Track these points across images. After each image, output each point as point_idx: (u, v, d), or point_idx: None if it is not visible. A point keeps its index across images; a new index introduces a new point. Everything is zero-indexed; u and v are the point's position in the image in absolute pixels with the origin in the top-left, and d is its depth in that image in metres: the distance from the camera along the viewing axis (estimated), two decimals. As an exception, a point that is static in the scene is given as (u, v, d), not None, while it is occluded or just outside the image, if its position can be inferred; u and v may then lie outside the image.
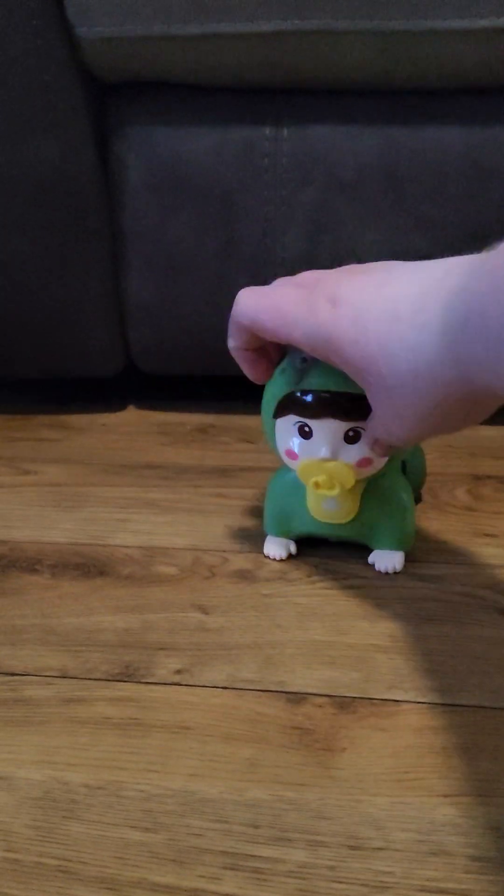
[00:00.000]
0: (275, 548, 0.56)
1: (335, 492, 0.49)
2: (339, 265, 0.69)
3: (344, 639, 0.48)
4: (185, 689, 0.44)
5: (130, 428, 0.79)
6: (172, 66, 0.64)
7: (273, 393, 0.51)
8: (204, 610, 0.51)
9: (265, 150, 0.67)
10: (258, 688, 0.44)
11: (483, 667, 0.45)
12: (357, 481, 0.50)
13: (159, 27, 0.61)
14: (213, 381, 0.83)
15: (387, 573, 0.54)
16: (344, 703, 0.43)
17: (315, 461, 0.49)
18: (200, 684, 0.44)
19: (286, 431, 0.51)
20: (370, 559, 0.55)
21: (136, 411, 0.83)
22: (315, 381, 0.48)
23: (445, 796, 0.37)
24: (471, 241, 0.67)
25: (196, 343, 0.75)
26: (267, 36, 0.59)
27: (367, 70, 0.62)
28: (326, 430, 0.49)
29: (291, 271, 0.71)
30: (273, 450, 0.53)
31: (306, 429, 0.49)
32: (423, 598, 0.51)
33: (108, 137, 0.69)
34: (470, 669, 0.45)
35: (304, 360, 0.48)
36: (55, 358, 0.77)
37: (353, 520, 0.53)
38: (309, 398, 0.48)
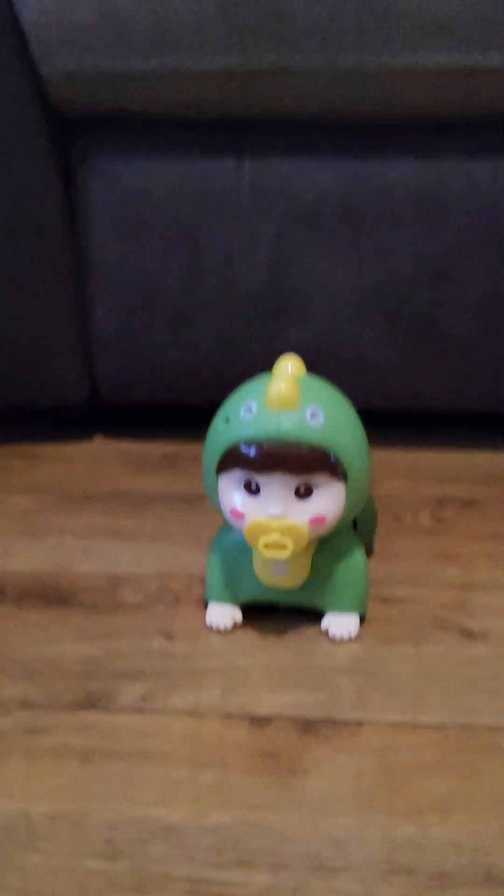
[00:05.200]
0: (218, 617, 0.51)
1: (286, 553, 0.44)
2: (301, 295, 0.71)
3: (307, 661, 0.48)
4: (148, 715, 0.44)
5: (97, 457, 0.79)
6: (134, 100, 0.65)
7: (215, 445, 0.46)
8: (168, 636, 0.51)
9: (227, 182, 0.68)
10: (222, 712, 0.44)
11: (445, 686, 0.46)
12: (309, 541, 0.46)
13: (121, 63, 0.62)
14: (180, 410, 0.84)
15: (342, 640, 0.50)
16: (307, 725, 0.43)
17: (264, 520, 0.44)
18: (164, 710, 0.44)
19: (230, 488, 0.46)
20: (323, 625, 0.50)
21: (102, 441, 0.83)
22: (262, 431, 0.44)
23: (406, 815, 0.37)
24: (426, 269, 0.69)
25: (161, 372, 0.76)
26: (225, 72, 0.61)
27: (323, 104, 0.64)
28: (275, 485, 0.45)
29: (255, 301, 0.72)
30: (215, 508, 0.49)
31: (253, 485, 0.45)
32: (386, 619, 0.52)
33: (72, 171, 0.70)
34: (432, 689, 0.46)
35: (249, 408, 0.45)
36: (21, 388, 0.77)
37: (304, 584, 0.49)
38: (256, 451, 0.44)
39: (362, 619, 0.51)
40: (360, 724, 0.43)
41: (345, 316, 0.70)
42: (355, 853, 0.36)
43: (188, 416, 0.83)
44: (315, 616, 0.51)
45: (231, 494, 0.46)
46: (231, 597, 0.52)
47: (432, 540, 0.62)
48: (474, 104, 0.63)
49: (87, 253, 0.72)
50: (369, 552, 0.59)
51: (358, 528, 0.53)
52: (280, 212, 0.68)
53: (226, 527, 0.52)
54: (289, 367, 0.47)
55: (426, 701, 0.45)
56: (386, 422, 0.83)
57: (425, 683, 0.46)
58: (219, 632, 0.51)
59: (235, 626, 0.51)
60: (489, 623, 0.51)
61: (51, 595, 0.55)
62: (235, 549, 0.50)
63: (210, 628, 0.51)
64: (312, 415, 0.45)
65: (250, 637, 0.50)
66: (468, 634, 0.50)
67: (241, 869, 0.35)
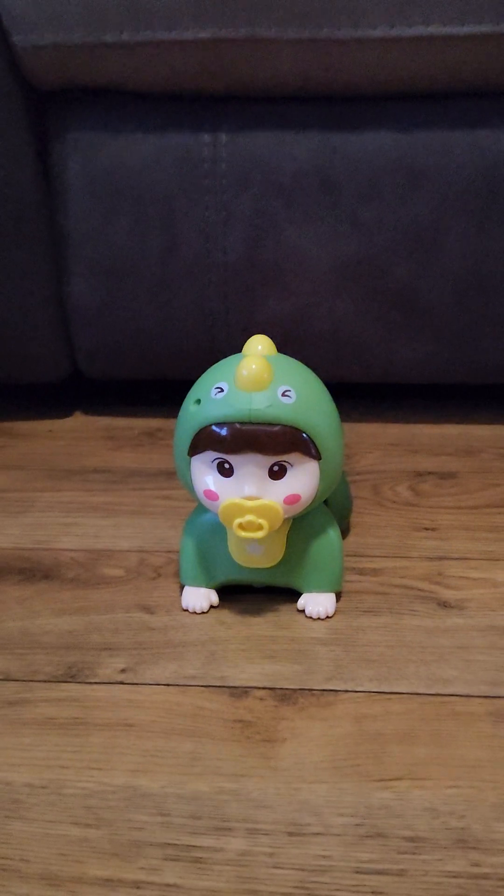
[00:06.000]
0: (194, 599, 0.51)
1: (261, 534, 0.45)
2: (279, 269, 0.70)
3: (285, 633, 0.49)
4: (128, 687, 0.44)
5: (77, 433, 0.79)
6: (109, 73, 0.64)
7: (187, 427, 0.46)
8: (149, 610, 0.51)
9: (204, 155, 0.67)
10: (201, 683, 0.45)
11: (420, 655, 0.47)
12: (283, 521, 0.46)
13: (94, 35, 0.61)
14: (160, 385, 0.84)
15: (318, 619, 0.50)
16: (285, 695, 0.44)
17: (238, 501, 0.44)
18: (144, 682, 0.45)
19: (203, 469, 0.46)
20: (299, 604, 0.51)
21: (82, 416, 0.83)
22: (234, 412, 0.44)
23: (381, 781, 0.38)
24: (404, 242, 0.69)
25: (141, 346, 0.76)
26: (201, 43, 0.60)
27: (300, 76, 0.63)
28: (249, 465, 0.44)
29: (233, 275, 0.72)
30: (189, 490, 0.48)
31: (226, 465, 0.45)
32: (363, 591, 0.53)
33: (49, 144, 0.69)
34: (407, 658, 0.46)
35: (220, 388, 0.45)
36: (-1, 364, 0.77)
37: (279, 563, 0.49)
38: (228, 431, 0.44)
39: (339, 597, 0.52)
40: (336, 693, 0.44)
41: (323, 289, 0.70)
42: (330, 818, 0.36)
43: (168, 392, 0.83)
44: (292, 591, 0.52)
45: (204, 476, 0.46)
46: (206, 580, 0.52)
47: (410, 512, 0.63)
48: (451, 75, 0.63)
49: (64, 227, 0.71)
50: (345, 533, 0.59)
51: (329, 508, 0.53)
52: (257, 185, 0.68)
53: (199, 509, 0.51)
54: (259, 347, 0.46)
55: (402, 670, 0.45)
56: (365, 395, 0.84)
57: (401, 653, 0.47)
58: (195, 614, 0.51)
59: (212, 608, 0.51)
60: (465, 594, 0.52)
61: (31, 570, 0.56)
62: (209, 531, 0.50)
63: (186, 612, 0.51)
64: (284, 394, 0.44)
65: (229, 610, 0.51)
66: (444, 605, 0.51)
67: (217, 835, 0.36)
